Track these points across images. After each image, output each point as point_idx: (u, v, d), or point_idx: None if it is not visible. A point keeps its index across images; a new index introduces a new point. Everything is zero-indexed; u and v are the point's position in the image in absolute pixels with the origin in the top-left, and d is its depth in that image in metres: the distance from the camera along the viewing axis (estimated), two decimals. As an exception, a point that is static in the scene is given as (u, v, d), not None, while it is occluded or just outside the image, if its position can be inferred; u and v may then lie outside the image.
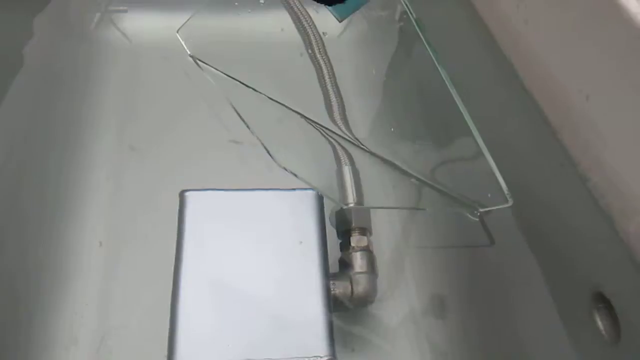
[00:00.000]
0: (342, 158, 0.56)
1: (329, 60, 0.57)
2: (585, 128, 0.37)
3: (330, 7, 0.42)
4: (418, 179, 0.53)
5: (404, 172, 0.54)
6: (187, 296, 0.44)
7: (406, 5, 0.38)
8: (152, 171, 0.65)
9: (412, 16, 0.37)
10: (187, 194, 0.50)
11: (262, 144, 0.48)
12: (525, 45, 0.45)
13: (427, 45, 0.37)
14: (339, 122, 0.58)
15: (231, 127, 0.58)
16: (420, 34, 0.37)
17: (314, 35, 0.57)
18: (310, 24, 0.56)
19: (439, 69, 0.37)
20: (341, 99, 0.58)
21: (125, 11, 0.78)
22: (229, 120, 0.55)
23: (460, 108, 0.38)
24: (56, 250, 0.58)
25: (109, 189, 0.63)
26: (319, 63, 0.57)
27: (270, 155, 0.47)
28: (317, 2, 0.39)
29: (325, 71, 0.57)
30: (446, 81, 0.37)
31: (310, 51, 0.57)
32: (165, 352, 0.42)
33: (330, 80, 0.58)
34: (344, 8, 0.39)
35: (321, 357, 0.42)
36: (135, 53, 0.76)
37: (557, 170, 0.40)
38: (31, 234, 0.58)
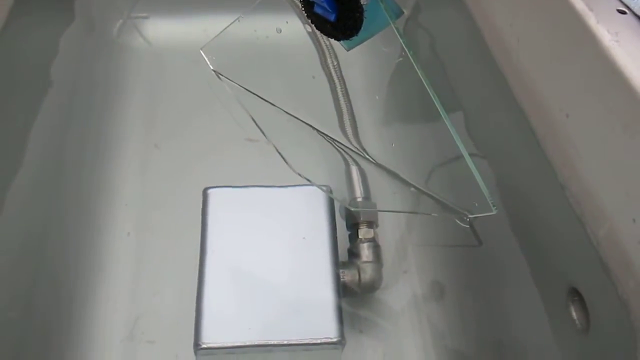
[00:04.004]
0: (350, 161, 0.60)
1: (342, 76, 0.60)
2: (564, 142, 0.41)
3: None
4: (416, 188, 0.57)
5: (405, 182, 0.57)
6: (211, 282, 0.48)
7: (403, 41, 0.41)
8: (175, 167, 0.69)
9: (410, 52, 0.40)
10: (209, 190, 0.53)
11: (278, 151, 0.51)
12: (516, 60, 0.48)
13: (422, 77, 0.40)
14: (349, 134, 0.61)
15: (247, 127, 0.62)
16: (417, 69, 0.40)
17: (328, 51, 0.60)
18: (325, 40, 0.59)
19: (432, 95, 0.40)
20: (352, 113, 0.62)
21: (147, 17, 0.81)
22: (244, 120, 0.58)
23: (451, 130, 0.41)
24: (90, 240, 0.62)
25: (136, 184, 0.67)
26: (332, 78, 0.60)
27: (286, 162, 0.50)
28: (327, 36, 0.42)
29: (338, 86, 0.60)
30: (437, 105, 0.40)
31: (324, 66, 0.60)
32: (192, 333, 0.46)
33: (343, 95, 0.61)
34: (351, 40, 0.42)
35: (331, 338, 0.45)
36: (157, 57, 0.79)
37: (542, 178, 0.43)
38: (69, 225, 0.62)
